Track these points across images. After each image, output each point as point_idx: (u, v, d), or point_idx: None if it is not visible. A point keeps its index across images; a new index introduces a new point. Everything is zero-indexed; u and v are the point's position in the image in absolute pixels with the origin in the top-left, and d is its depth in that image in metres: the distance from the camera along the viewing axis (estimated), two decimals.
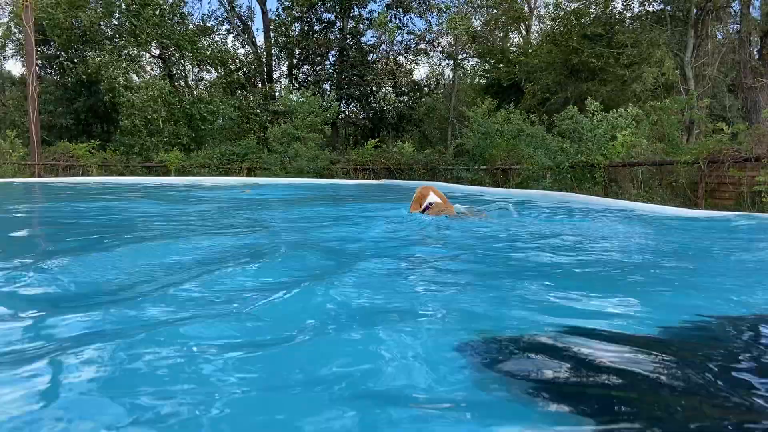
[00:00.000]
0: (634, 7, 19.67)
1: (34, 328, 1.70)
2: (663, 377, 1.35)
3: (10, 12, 24.86)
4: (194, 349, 1.47)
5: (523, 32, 27.24)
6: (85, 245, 3.51)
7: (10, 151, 18.61)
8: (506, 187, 13.06)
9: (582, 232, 4.60)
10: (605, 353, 1.50)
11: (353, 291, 2.23)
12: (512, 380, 1.32)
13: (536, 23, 26.88)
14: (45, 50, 24.02)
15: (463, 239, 3.93)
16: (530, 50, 23.33)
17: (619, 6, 20.08)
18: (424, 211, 4.88)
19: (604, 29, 19.18)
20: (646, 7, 19.26)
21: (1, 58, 26.61)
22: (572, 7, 20.41)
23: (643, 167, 10.83)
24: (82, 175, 18.37)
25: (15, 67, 27.47)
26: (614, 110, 12.53)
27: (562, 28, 21.01)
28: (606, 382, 1.32)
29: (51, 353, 1.44)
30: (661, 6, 18.77)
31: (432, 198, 4.92)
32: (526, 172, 13.39)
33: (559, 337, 1.63)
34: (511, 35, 27.54)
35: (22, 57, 23.46)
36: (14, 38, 25.46)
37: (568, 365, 1.41)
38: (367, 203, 7.32)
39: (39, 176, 17.53)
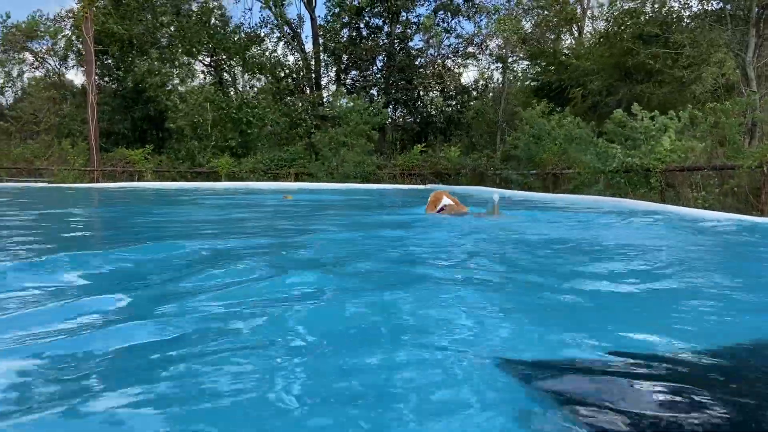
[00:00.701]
0: (692, 6, 18.96)
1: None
2: (711, 410, 1.21)
3: (71, 25, 25.93)
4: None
5: (576, 34, 26.65)
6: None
7: (74, 157, 19.37)
8: (556, 192, 12.75)
9: (629, 240, 4.39)
10: (657, 381, 1.37)
11: (392, 303, 2.15)
12: (554, 402, 1.23)
13: (589, 24, 26.27)
14: (104, 60, 24.91)
15: (502, 250, 3.79)
16: (582, 52, 22.78)
17: (677, 5, 19.34)
18: (439, 211, 5.71)
19: (661, 29, 18.53)
20: (704, 6, 18.52)
21: (63, 68, 27.75)
22: (627, 7, 19.83)
23: (702, 172, 10.35)
24: (138, 180, 18.93)
25: (76, 77, 28.49)
26: (663, 114, 11.98)
27: (616, 29, 20.44)
28: (656, 413, 1.18)
29: None
30: (721, 5, 18.01)
31: (446, 201, 5.77)
32: (579, 177, 13.03)
33: (604, 360, 1.51)
34: (562, 37, 26.98)
35: (83, 67, 24.40)
36: (74, 49, 26.51)
37: (614, 391, 1.30)
38: (407, 207, 7.29)
39: (98, 182, 18.17)
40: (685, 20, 19.08)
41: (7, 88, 27.41)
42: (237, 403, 1.20)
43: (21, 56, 26.75)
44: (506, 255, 3.49)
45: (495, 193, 6.34)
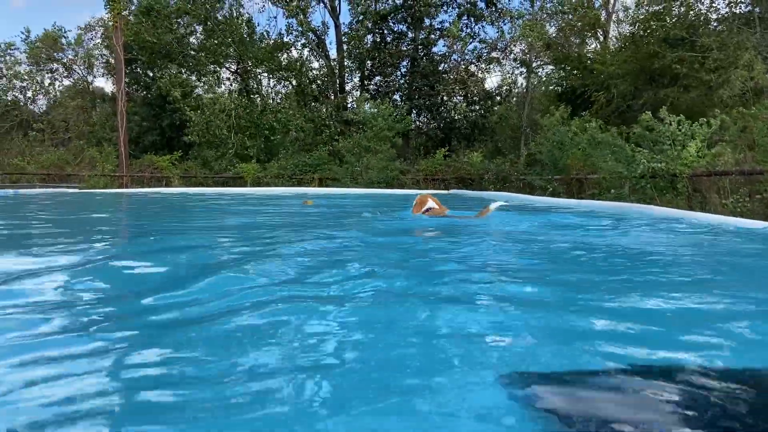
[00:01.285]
0: (719, 8, 18.70)
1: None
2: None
3: (102, 34, 26.53)
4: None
5: (601, 38, 26.42)
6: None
7: (103, 164, 19.77)
8: (580, 198, 12.65)
9: (645, 245, 4.36)
10: (668, 395, 1.36)
11: (401, 306, 2.19)
12: (557, 421, 1.23)
13: (614, 28, 26.02)
14: (132, 68, 25.40)
15: (514, 254, 3.80)
16: (608, 56, 22.57)
17: (704, 7, 19.06)
18: (425, 212, 6.28)
19: (687, 32, 18.30)
20: (732, 9, 18.26)
21: (92, 76, 28.39)
22: (653, 9, 19.63)
23: (730, 177, 10.21)
24: (165, 186, 19.24)
25: (106, 85, 29.08)
26: (689, 119, 11.78)
27: (641, 32, 20.24)
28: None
29: None
30: (749, 8, 17.75)
31: (430, 204, 6.34)
32: (603, 183, 12.92)
33: (613, 375, 1.50)
34: (587, 41, 26.76)
35: (112, 75, 24.91)
36: (103, 57, 27.11)
37: (624, 408, 1.29)
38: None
39: (126, 187, 18.51)
40: (713, 23, 18.82)
41: (38, 97, 28.09)
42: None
43: (51, 66, 27.43)
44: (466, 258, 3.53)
45: (498, 201, 6.31)
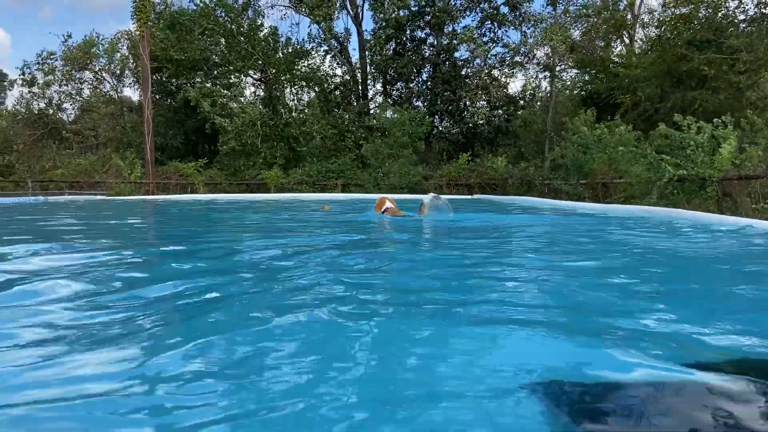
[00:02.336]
0: (748, 9, 18.36)
1: None
2: None
3: (126, 42, 27.02)
4: None
5: (627, 41, 26.13)
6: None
7: (129, 171, 20.07)
8: (606, 203, 12.49)
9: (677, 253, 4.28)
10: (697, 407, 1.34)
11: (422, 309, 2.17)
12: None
13: (640, 31, 25.71)
14: (159, 77, 25.81)
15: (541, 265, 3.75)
16: (633, 59, 22.31)
17: (732, 7, 18.73)
18: (383, 212, 7.63)
19: (714, 34, 18.01)
20: (762, 10, 17.92)
21: (120, 85, 28.91)
22: (680, 12, 19.36)
23: (761, 180, 9.99)
24: (191, 192, 19.46)
25: (133, 93, 29.59)
26: (717, 119, 11.52)
27: (668, 35, 19.97)
28: None
29: None
30: None
31: (388, 204, 7.73)
32: (630, 189, 12.74)
33: (639, 385, 1.46)
34: (613, 45, 26.48)
35: (139, 84, 25.34)
36: (131, 66, 27.59)
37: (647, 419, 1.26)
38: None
39: (152, 194, 18.77)
40: (741, 24, 18.49)
41: (66, 105, 28.67)
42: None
43: (81, 75, 28.00)
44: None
45: (429, 195, 7.82)
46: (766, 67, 17.27)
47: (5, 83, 28.19)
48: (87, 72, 27.94)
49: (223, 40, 24.12)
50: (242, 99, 25.10)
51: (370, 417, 1.25)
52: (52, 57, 26.59)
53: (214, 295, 2.36)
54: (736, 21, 18.55)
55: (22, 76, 26.80)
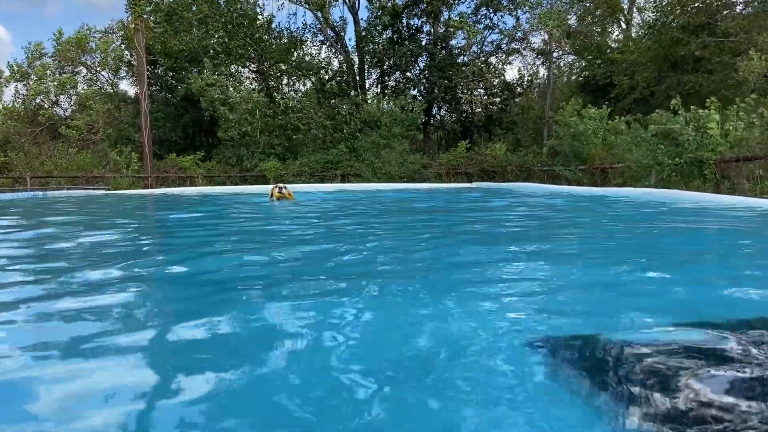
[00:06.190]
0: None
1: None
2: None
3: (121, 35, 26.83)
4: None
5: (623, 26, 26.06)
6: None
7: (126, 165, 20.03)
8: (605, 187, 12.57)
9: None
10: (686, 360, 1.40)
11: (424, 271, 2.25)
12: (583, 383, 1.28)
13: (636, 16, 25.63)
14: (154, 70, 25.64)
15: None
16: (630, 44, 22.28)
17: None
18: (272, 198, 9.40)
19: (710, 18, 18.01)
20: None
21: (116, 79, 28.75)
22: None
23: (759, 162, 10.06)
24: (189, 185, 19.44)
25: (129, 87, 29.43)
26: (708, 100, 11.59)
27: (664, 18, 19.97)
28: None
29: None
30: None
31: (276, 191, 9.48)
32: (629, 172, 12.82)
33: (638, 340, 1.54)
34: (609, 30, 26.41)
35: (135, 78, 25.22)
36: (126, 60, 27.42)
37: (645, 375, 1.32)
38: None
39: (151, 187, 18.76)
40: (740, 5, 18.47)
41: (62, 101, 28.56)
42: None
43: (76, 69, 27.85)
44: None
45: (276, 185, 9.70)
46: (756, 47, 17.20)
47: (2, 80, 28.02)
48: (81, 67, 27.80)
49: (222, 30, 23.90)
50: (242, 88, 24.95)
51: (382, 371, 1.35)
52: (43, 52, 26.48)
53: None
54: (729, 3, 18.54)
55: (12, 71, 26.76)
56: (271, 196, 9.56)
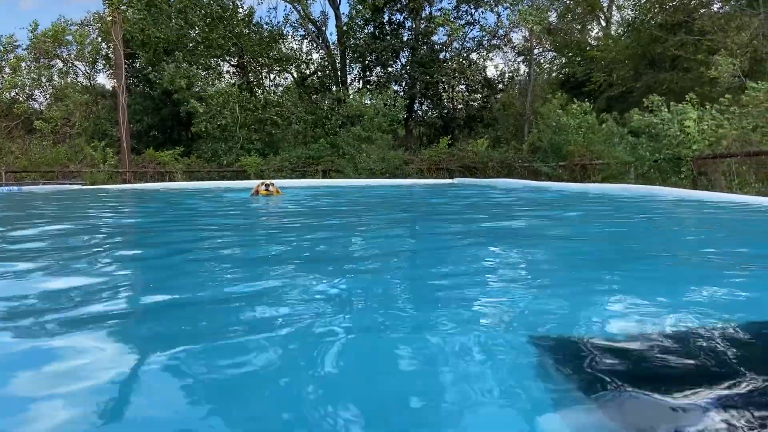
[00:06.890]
0: None
1: None
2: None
3: (97, 28, 26.39)
4: None
5: (603, 23, 26.31)
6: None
7: (102, 160, 19.72)
8: (584, 183, 12.69)
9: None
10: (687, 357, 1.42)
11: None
12: (579, 383, 1.27)
13: (616, 13, 25.88)
14: (132, 63, 25.29)
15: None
16: (610, 41, 22.53)
17: None
18: (256, 194, 9.13)
19: (688, 16, 18.26)
20: None
21: (93, 72, 28.30)
22: None
23: (735, 159, 10.22)
24: (168, 180, 19.20)
25: (106, 81, 29.01)
26: (683, 100, 11.78)
27: (643, 17, 20.21)
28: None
29: None
30: None
31: (263, 188, 9.13)
32: (608, 169, 12.96)
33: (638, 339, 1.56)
34: (589, 27, 26.65)
35: (112, 71, 24.83)
36: (103, 53, 27.00)
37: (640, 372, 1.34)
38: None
39: (129, 182, 18.50)
40: (716, 5, 18.75)
41: (37, 94, 28.08)
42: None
43: (51, 62, 27.39)
44: None
45: (263, 182, 9.40)
46: (733, 46, 17.46)
47: None
48: (57, 60, 27.35)
49: (201, 22, 23.55)
50: (219, 82, 24.68)
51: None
52: (16, 44, 26.02)
53: None
54: (707, 2, 18.82)
55: None
56: (256, 192, 9.18)
